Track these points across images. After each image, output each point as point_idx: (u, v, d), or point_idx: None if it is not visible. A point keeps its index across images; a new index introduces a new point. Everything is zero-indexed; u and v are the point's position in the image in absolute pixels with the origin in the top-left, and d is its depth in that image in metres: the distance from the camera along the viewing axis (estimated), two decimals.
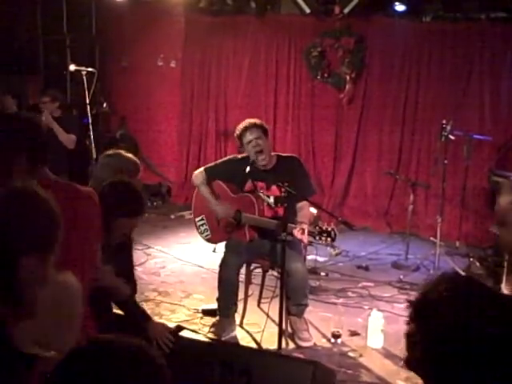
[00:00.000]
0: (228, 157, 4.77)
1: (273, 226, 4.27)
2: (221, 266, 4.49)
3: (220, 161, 4.78)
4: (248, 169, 4.31)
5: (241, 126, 4.45)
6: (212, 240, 4.78)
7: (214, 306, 4.63)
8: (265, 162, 4.38)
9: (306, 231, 4.07)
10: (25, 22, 7.84)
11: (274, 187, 4.35)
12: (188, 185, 8.37)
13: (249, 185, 4.47)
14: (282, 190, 3.95)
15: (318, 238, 4.10)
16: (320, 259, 5.82)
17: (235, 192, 4.55)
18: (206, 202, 4.60)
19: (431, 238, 6.25)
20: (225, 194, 4.58)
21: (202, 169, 4.68)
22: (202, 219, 4.68)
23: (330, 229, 4.05)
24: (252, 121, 4.48)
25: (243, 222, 4.44)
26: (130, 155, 3.73)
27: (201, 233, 4.72)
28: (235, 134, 4.50)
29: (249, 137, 4.37)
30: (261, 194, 4.40)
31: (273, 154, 4.54)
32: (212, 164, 4.76)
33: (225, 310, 4.50)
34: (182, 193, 8.38)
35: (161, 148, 8.66)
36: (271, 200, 4.36)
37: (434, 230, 6.01)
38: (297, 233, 4.07)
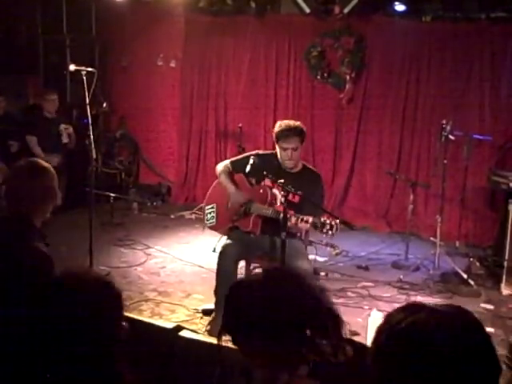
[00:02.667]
0: (252, 152, 4.79)
1: (275, 214, 4.31)
2: (219, 256, 4.50)
3: (244, 155, 4.83)
4: (248, 168, 4.35)
5: (283, 127, 4.49)
6: (215, 227, 4.81)
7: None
8: (289, 166, 4.53)
9: (309, 220, 4.11)
10: (25, 22, 7.84)
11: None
12: (188, 185, 8.41)
13: (267, 181, 4.51)
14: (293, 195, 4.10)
15: (319, 229, 4.12)
16: (320, 259, 5.82)
17: (253, 185, 4.63)
18: (222, 192, 4.68)
19: (431, 238, 6.25)
20: (243, 185, 4.66)
21: (227, 161, 4.81)
22: (213, 207, 4.77)
23: (333, 222, 4.07)
24: (295, 126, 4.50)
25: (251, 211, 4.50)
26: None
27: (206, 220, 4.78)
28: (274, 131, 4.55)
29: (285, 144, 4.46)
30: (275, 191, 4.45)
31: (300, 160, 4.65)
32: (237, 158, 4.85)
33: (220, 305, 4.51)
34: (182, 193, 8.40)
35: (161, 148, 8.67)
36: (282, 199, 4.37)
37: (434, 229, 6.00)
38: (295, 220, 4.11)
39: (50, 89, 7.23)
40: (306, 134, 4.59)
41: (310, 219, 4.12)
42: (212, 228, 4.84)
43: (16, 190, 2.74)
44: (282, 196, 4.13)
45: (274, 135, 4.56)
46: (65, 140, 6.89)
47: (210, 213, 4.78)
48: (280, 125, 4.54)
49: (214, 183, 4.84)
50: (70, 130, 6.93)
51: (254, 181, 4.62)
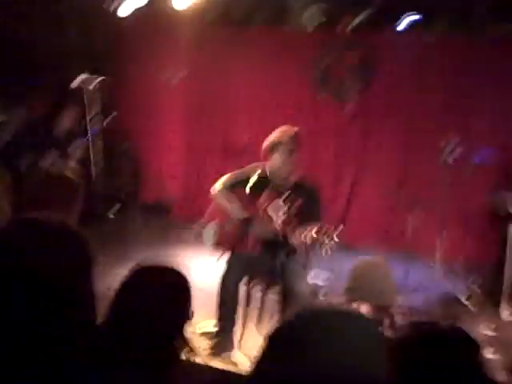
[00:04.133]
0: (248, 166, 4.78)
1: (274, 232, 4.32)
2: (221, 282, 4.52)
3: (241, 170, 4.81)
4: (253, 180, 4.36)
5: (278, 133, 4.49)
6: (215, 247, 4.80)
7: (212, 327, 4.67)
8: (286, 174, 4.51)
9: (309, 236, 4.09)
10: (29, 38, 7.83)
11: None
12: (190, 201, 8.38)
13: (264, 195, 4.51)
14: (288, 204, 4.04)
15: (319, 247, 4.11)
16: (320, 283, 5.80)
17: (250, 201, 4.59)
18: (221, 210, 4.68)
19: (431, 260, 6.22)
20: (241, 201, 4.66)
21: (223, 178, 4.76)
22: (212, 226, 4.75)
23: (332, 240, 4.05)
24: (289, 130, 4.49)
25: (249, 232, 4.50)
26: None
27: (207, 239, 4.78)
28: (269, 140, 4.52)
29: (284, 147, 4.44)
30: (272, 206, 4.44)
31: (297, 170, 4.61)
32: (232, 174, 4.82)
33: (223, 327, 4.55)
34: (184, 209, 8.34)
35: (164, 163, 8.63)
36: (280, 214, 4.37)
37: (434, 250, 6.00)
38: (297, 237, 4.09)
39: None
40: (301, 138, 4.55)
41: (310, 236, 4.05)
42: (212, 247, 4.83)
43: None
44: (283, 210, 4.15)
45: (269, 145, 4.51)
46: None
47: (209, 231, 4.77)
48: (275, 132, 4.53)
49: (213, 202, 4.81)
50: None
51: (251, 196, 4.58)
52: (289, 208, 4.10)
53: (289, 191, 4.43)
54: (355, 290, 2.72)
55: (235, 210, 4.59)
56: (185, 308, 2.03)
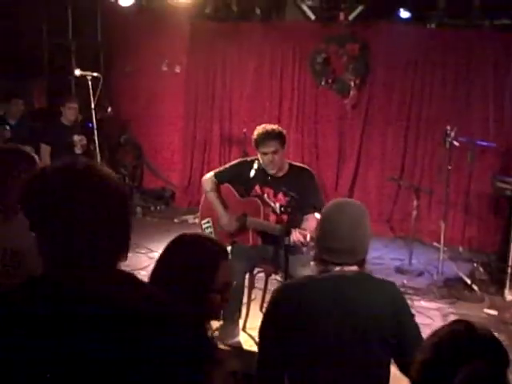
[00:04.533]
0: (237, 160, 4.74)
1: (276, 230, 4.26)
2: None
3: (229, 164, 4.75)
4: (252, 173, 4.33)
5: (260, 131, 4.34)
6: None
7: None
8: (273, 171, 4.40)
9: (308, 236, 4.06)
10: (30, 27, 7.86)
11: (280, 195, 4.35)
12: (192, 189, 8.42)
13: (257, 189, 4.48)
14: (287, 199, 3.99)
15: None
16: None
17: (243, 195, 4.56)
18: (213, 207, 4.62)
19: (435, 243, 6.24)
20: (232, 197, 4.59)
21: (211, 173, 4.67)
22: (208, 222, 4.70)
23: None
24: (272, 130, 4.35)
25: (247, 226, 4.46)
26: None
27: None
28: (253, 137, 4.41)
29: (265, 149, 4.32)
30: (267, 200, 4.42)
31: (286, 161, 4.51)
32: (222, 168, 4.75)
33: (229, 315, 4.49)
34: (186, 197, 8.41)
35: (165, 152, 8.66)
36: (277, 206, 4.36)
37: (438, 235, 6.00)
38: (296, 235, 4.05)
39: (72, 96, 7.18)
40: (285, 137, 4.41)
41: (309, 236, 4.04)
42: None
43: None
44: (282, 202, 4.11)
45: (253, 142, 4.40)
46: (78, 151, 6.82)
47: (207, 228, 4.70)
48: (257, 130, 4.39)
49: (204, 197, 4.75)
50: (84, 141, 6.84)
51: (243, 190, 4.53)
52: (286, 196, 4.06)
53: (283, 181, 4.36)
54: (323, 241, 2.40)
55: (225, 219, 4.54)
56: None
